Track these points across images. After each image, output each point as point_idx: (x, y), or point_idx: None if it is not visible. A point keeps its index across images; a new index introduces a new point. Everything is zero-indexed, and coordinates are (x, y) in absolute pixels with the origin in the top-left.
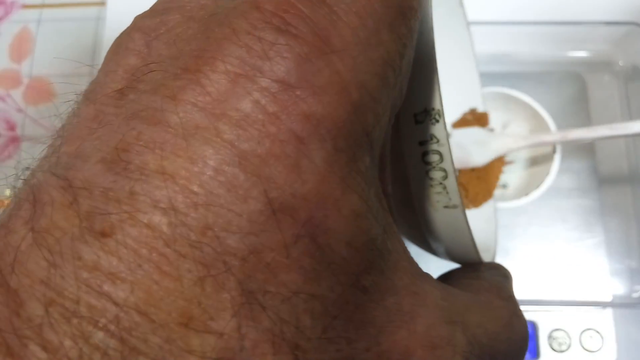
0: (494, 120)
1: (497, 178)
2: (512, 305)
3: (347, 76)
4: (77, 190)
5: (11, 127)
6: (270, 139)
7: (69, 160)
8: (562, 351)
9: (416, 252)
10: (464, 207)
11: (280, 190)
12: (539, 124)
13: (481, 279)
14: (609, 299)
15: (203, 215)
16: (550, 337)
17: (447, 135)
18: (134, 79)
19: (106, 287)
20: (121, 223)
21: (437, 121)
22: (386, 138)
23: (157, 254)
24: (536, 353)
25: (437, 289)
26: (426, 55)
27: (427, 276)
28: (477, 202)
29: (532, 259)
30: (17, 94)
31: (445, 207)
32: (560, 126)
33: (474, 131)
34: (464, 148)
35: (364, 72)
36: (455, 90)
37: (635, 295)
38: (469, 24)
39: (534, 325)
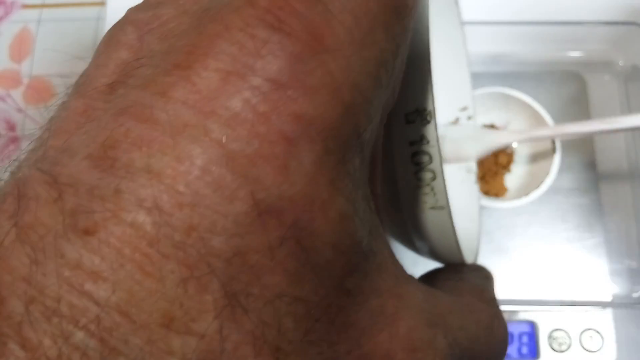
0: (494, 120)
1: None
2: (493, 308)
3: (340, 77)
4: (63, 186)
5: (11, 127)
6: (259, 140)
7: (56, 154)
8: (562, 351)
9: (403, 252)
10: (450, 209)
11: (267, 192)
12: (538, 124)
13: (464, 281)
14: (609, 299)
15: (188, 216)
16: (550, 337)
17: (438, 137)
18: (125, 73)
19: (88, 286)
20: (105, 221)
21: (429, 122)
22: (378, 138)
23: (139, 253)
24: (536, 353)
25: (420, 291)
26: (420, 55)
27: (410, 278)
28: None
29: (532, 259)
30: (17, 94)
31: (432, 208)
32: None
33: (467, 126)
34: (456, 142)
35: (357, 72)
36: (445, 90)
37: (635, 295)
38: (462, 23)
39: (534, 326)
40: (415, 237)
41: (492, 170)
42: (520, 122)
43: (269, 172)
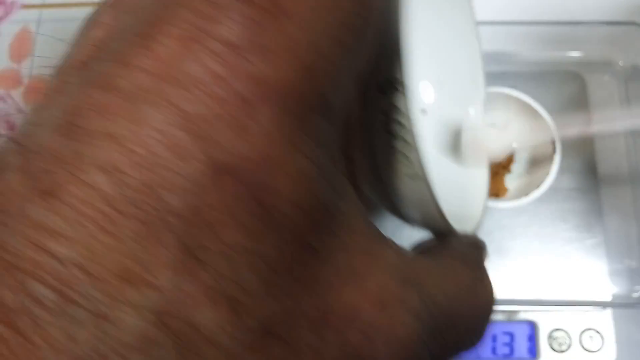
0: (494, 119)
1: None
2: (477, 271)
3: (300, 39)
4: (31, 154)
5: (11, 127)
6: (216, 101)
7: (30, 128)
8: (562, 351)
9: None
10: (428, 177)
11: (224, 151)
12: (539, 124)
13: (447, 247)
14: (608, 299)
15: (144, 175)
16: (550, 337)
17: (409, 105)
18: (98, 49)
19: (49, 244)
20: (66, 183)
21: (399, 91)
22: (353, 104)
23: (98, 212)
24: (536, 353)
25: (395, 252)
26: (394, 23)
27: (387, 240)
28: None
29: (532, 259)
30: (17, 94)
31: (409, 177)
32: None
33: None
34: (480, 145)
35: (318, 35)
36: (430, 65)
37: (635, 295)
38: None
39: (534, 326)
40: (401, 207)
41: (492, 170)
42: (520, 122)
43: (226, 132)
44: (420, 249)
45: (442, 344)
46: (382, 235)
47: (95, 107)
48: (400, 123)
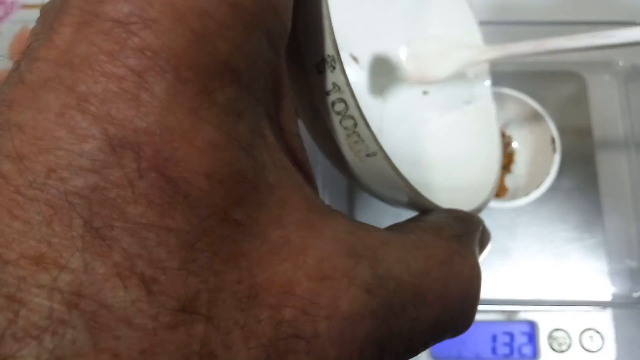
0: None
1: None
2: (455, 245)
3: (182, 5)
4: None
5: None
6: (106, 77)
7: None
8: (562, 351)
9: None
10: (384, 151)
11: (120, 127)
12: (539, 124)
13: (419, 221)
14: (608, 299)
15: (47, 159)
16: (550, 337)
17: (346, 82)
18: (24, 55)
19: None
20: None
21: (334, 68)
22: (280, 74)
23: (8, 199)
24: (536, 353)
25: (344, 224)
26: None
27: (333, 213)
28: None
29: (532, 259)
30: None
31: (367, 155)
32: (561, 126)
33: (432, 42)
34: (421, 61)
35: (207, 1)
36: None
37: (635, 295)
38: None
39: (534, 326)
40: (375, 189)
41: None
42: (520, 122)
43: (121, 107)
44: (392, 228)
45: (409, 323)
46: (328, 209)
47: (6, 102)
48: (342, 100)
